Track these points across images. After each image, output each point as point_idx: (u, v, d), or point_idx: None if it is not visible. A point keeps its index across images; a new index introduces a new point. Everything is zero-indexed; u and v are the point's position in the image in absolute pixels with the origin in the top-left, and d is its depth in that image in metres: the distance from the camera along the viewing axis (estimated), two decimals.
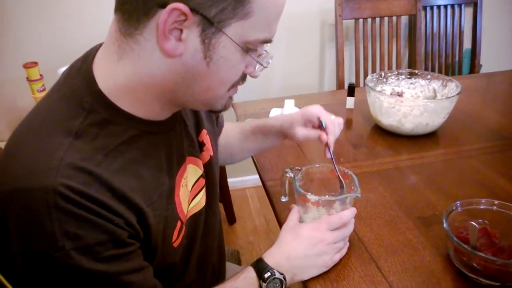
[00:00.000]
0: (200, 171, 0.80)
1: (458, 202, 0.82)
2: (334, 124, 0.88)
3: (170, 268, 0.75)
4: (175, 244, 0.72)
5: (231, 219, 2.27)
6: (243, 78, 0.67)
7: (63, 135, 0.57)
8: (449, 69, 2.24)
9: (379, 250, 0.83)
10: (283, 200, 0.95)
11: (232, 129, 1.04)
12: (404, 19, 2.22)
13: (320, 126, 0.88)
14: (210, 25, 0.56)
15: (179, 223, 0.72)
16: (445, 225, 0.76)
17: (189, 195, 0.76)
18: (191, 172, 0.77)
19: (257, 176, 1.13)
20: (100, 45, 0.65)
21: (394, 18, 2.06)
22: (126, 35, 0.58)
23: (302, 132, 0.90)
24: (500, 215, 0.80)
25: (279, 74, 2.27)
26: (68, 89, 0.62)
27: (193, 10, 0.54)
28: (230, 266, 1.13)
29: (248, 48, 0.61)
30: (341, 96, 1.49)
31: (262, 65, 0.66)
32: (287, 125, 0.92)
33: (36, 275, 0.56)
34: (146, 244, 0.64)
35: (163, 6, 0.53)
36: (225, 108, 0.70)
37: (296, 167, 0.88)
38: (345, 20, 2.00)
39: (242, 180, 2.52)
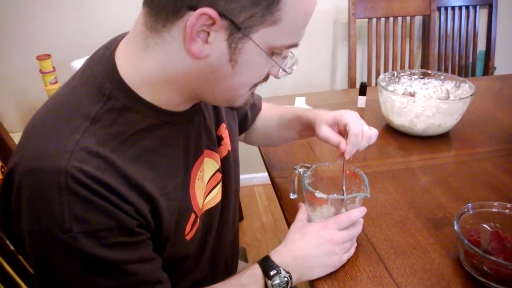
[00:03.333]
0: (217, 165, 0.80)
1: (469, 204, 0.80)
2: (361, 135, 0.81)
3: (182, 261, 0.74)
4: (188, 237, 0.72)
5: (239, 216, 2.26)
6: (265, 78, 0.67)
7: (81, 119, 0.58)
8: (462, 71, 2.21)
9: (388, 251, 0.82)
10: (291, 197, 0.94)
11: (270, 114, 1.04)
12: (418, 19, 2.20)
13: (345, 133, 0.82)
14: (238, 30, 0.56)
15: (192, 216, 0.71)
16: (456, 227, 0.75)
17: (205, 189, 0.76)
18: (208, 166, 0.77)
19: (265, 174, 1.12)
20: (124, 35, 0.66)
21: (408, 18, 2.04)
22: (152, 30, 0.58)
23: (324, 131, 0.84)
24: None
25: None
26: (90, 75, 0.62)
27: (222, 15, 0.54)
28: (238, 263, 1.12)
29: (274, 52, 0.61)
30: (353, 95, 1.48)
31: (285, 71, 0.66)
32: (316, 120, 0.88)
33: (41, 256, 0.57)
34: (157, 234, 0.64)
35: (193, 8, 0.53)
36: (245, 104, 0.70)
37: (306, 165, 0.87)
38: (359, 19, 1.98)
39: (250, 177, 2.52)
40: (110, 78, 0.61)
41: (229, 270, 0.94)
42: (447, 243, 0.83)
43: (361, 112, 1.40)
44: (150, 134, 0.63)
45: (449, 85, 1.29)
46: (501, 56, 2.26)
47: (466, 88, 1.23)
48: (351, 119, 0.83)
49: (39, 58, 1.74)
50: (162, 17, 0.56)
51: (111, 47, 0.64)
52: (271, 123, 1.03)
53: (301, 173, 0.86)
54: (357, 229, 0.80)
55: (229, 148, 0.85)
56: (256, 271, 0.73)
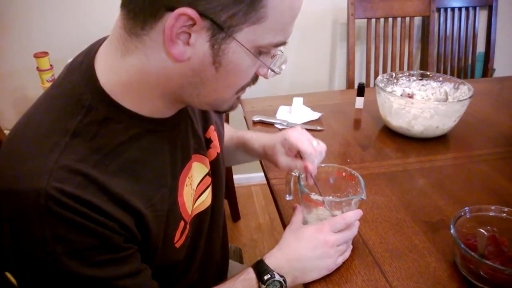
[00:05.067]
0: (206, 169, 0.79)
1: (466, 208, 0.80)
2: (315, 153, 0.83)
3: (172, 267, 0.74)
4: (177, 245, 0.70)
5: (236, 216, 2.26)
6: (254, 80, 0.64)
7: (60, 134, 0.55)
8: (461, 72, 2.21)
9: (384, 254, 0.81)
10: (287, 198, 0.93)
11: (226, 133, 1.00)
12: (417, 20, 2.19)
13: (300, 155, 0.83)
14: (220, 30, 0.53)
15: (182, 224, 0.70)
16: (452, 231, 0.74)
17: (194, 194, 0.74)
18: (197, 171, 0.75)
19: (262, 174, 1.11)
20: (104, 39, 0.63)
21: (407, 19, 2.03)
22: (131, 34, 0.55)
23: (285, 162, 0.86)
24: (510, 223, 0.78)
25: (289, 71, 2.25)
26: (68, 85, 0.60)
27: (202, 15, 0.51)
28: (232, 264, 1.12)
29: (261, 52, 0.58)
30: (351, 96, 1.48)
31: (274, 71, 0.63)
32: (270, 152, 0.88)
33: (28, 277, 0.55)
34: (144, 246, 0.62)
35: (172, 9, 0.51)
36: (231, 108, 0.67)
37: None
38: (358, 19, 1.97)
39: (248, 177, 2.51)
40: (89, 87, 0.58)
41: (220, 272, 0.93)
42: (444, 246, 0.82)
43: (359, 113, 1.40)
44: (134, 144, 0.60)
45: (447, 86, 1.28)
46: (501, 58, 2.26)
47: (465, 90, 1.22)
48: (300, 141, 0.83)
49: (37, 55, 1.73)
50: (140, 20, 0.54)
51: (90, 53, 0.61)
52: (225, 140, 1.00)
53: (297, 174, 0.85)
54: (353, 232, 0.79)
55: (218, 150, 0.83)
56: (250, 275, 0.72)
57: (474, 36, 2.17)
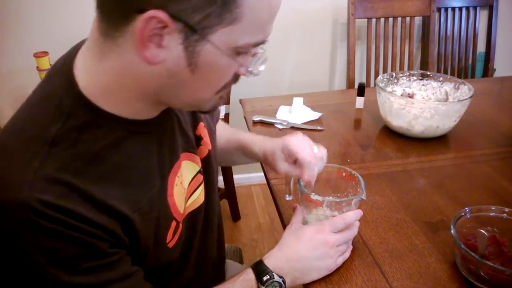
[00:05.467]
0: (197, 167, 0.78)
1: (467, 208, 0.79)
2: (315, 160, 0.82)
3: (167, 267, 0.73)
4: (170, 245, 0.70)
5: (236, 216, 2.26)
6: (234, 79, 0.62)
7: (40, 143, 0.54)
8: (462, 72, 2.20)
9: (384, 254, 0.81)
10: (287, 199, 0.93)
11: (221, 133, 0.99)
12: (418, 20, 2.19)
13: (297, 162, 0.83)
14: (193, 32, 0.51)
15: (173, 224, 0.69)
16: (452, 231, 0.74)
17: (186, 192, 0.74)
18: (187, 169, 0.74)
19: (262, 174, 1.11)
20: (82, 42, 0.62)
21: (408, 18, 2.03)
22: (106, 36, 0.54)
23: (284, 168, 0.85)
24: (510, 223, 0.78)
25: (289, 71, 2.25)
26: (48, 91, 0.59)
27: (173, 17, 0.49)
28: (231, 264, 1.12)
29: (239, 52, 0.56)
30: (351, 96, 1.47)
31: (252, 73, 0.61)
32: (270, 158, 0.88)
33: None
34: (134, 249, 0.62)
35: (142, 12, 0.49)
36: (213, 108, 0.66)
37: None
38: (358, 19, 1.97)
39: (248, 177, 2.51)
40: (68, 93, 0.57)
41: (216, 271, 0.93)
42: (444, 247, 0.82)
43: (359, 113, 1.40)
44: (118, 148, 0.59)
45: (448, 86, 1.28)
46: (501, 57, 2.25)
47: (465, 90, 1.22)
48: (299, 148, 0.82)
49: (36, 55, 1.73)
50: (113, 22, 0.52)
51: (69, 57, 0.60)
52: (219, 142, 0.99)
53: None
54: (353, 232, 0.79)
55: (209, 147, 0.82)
56: (249, 276, 0.72)
57: (475, 36, 2.16)
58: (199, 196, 0.79)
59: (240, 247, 1.29)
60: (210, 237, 0.85)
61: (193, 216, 0.77)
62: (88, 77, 0.58)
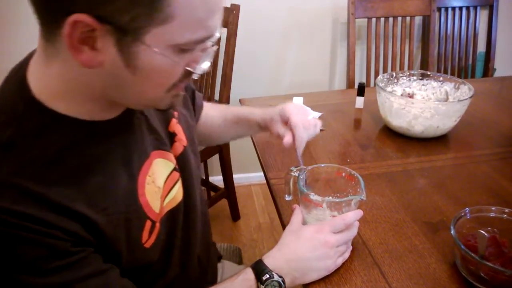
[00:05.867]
0: (171, 165, 0.76)
1: (467, 208, 0.79)
2: (307, 125, 0.85)
3: (147, 267, 0.73)
4: (147, 245, 0.69)
5: (235, 216, 2.25)
6: (185, 76, 0.60)
7: None
8: (462, 72, 2.20)
9: (384, 255, 0.80)
10: (286, 199, 0.93)
11: (213, 114, 1.03)
12: (418, 20, 2.19)
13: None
14: (125, 33, 0.50)
15: (148, 223, 0.69)
16: (452, 232, 0.74)
17: (162, 191, 0.73)
18: (160, 167, 0.73)
19: (262, 173, 1.11)
20: (33, 52, 0.62)
21: (408, 18, 2.02)
22: (47, 40, 0.54)
23: (276, 129, 0.90)
24: (511, 224, 0.77)
25: (289, 71, 2.25)
26: (2, 97, 0.59)
27: (99, 20, 0.48)
28: (229, 265, 1.11)
29: (183, 49, 0.55)
30: (351, 96, 1.47)
31: (194, 72, 0.59)
32: (268, 123, 0.93)
33: None
34: (103, 248, 0.62)
35: (69, 15, 0.48)
36: (172, 106, 0.65)
37: (302, 166, 0.86)
38: (358, 18, 1.97)
39: (248, 176, 2.51)
40: (22, 97, 0.57)
41: (203, 270, 0.92)
42: (444, 247, 0.81)
43: (359, 113, 1.39)
44: (76, 150, 0.58)
45: (448, 86, 1.28)
46: (501, 57, 2.25)
47: (465, 89, 1.22)
48: (294, 111, 0.88)
49: None
50: (47, 27, 0.52)
51: (25, 62, 0.60)
52: (214, 123, 1.02)
53: (297, 174, 0.85)
54: (352, 232, 0.78)
55: (185, 144, 0.81)
56: (248, 275, 0.72)
57: (475, 36, 2.16)
58: (176, 194, 0.78)
59: (240, 247, 1.29)
60: (192, 235, 0.84)
61: (172, 215, 0.76)
62: (39, 82, 0.58)
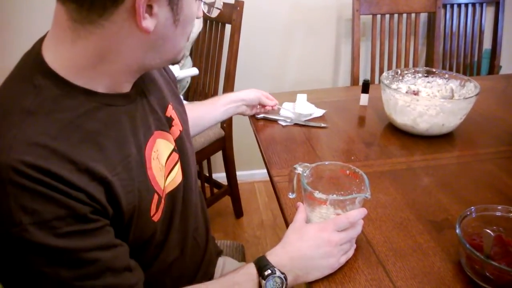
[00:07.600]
0: (171, 145, 0.80)
1: (472, 207, 0.78)
2: (259, 93, 1.26)
3: (148, 244, 0.74)
4: (155, 218, 0.71)
5: (239, 213, 2.25)
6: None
7: (16, 114, 0.57)
8: (467, 69, 2.19)
9: (388, 253, 0.80)
10: (290, 196, 0.92)
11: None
12: (423, 17, 2.18)
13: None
14: None
15: (156, 196, 0.71)
16: (458, 230, 0.73)
17: (164, 170, 0.76)
18: (162, 146, 0.76)
19: (266, 170, 1.10)
20: (45, 36, 0.66)
21: (413, 15, 2.01)
22: (85, 22, 0.59)
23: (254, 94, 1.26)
24: None
25: (293, 68, 2.24)
26: (20, 71, 0.63)
27: None
28: (230, 262, 1.11)
29: None
30: (355, 93, 1.46)
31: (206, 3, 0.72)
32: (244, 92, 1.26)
33: None
34: (118, 219, 0.63)
35: None
36: (183, 56, 0.74)
37: (305, 164, 0.86)
38: (363, 15, 1.96)
39: (251, 173, 2.51)
40: (40, 70, 0.61)
41: (201, 250, 0.94)
42: (449, 246, 0.81)
43: (364, 110, 1.39)
44: (92, 117, 0.63)
45: (453, 84, 1.27)
46: (507, 54, 2.24)
47: (471, 87, 1.21)
48: (259, 96, 1.27)
49: None
50: (98, 8, 0.58)
51: (36, 46, 0.64)
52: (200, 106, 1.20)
53: (301, 172, 0.84)
54: (356, 231, 0.78)
55: (181, 129, 0.85)
56: (250, 270, 0.72)
57: (481, 33, 2.15)
58: (176, 175, 0.80)
59: (243, 244, 1.28)
60: (190, 218, 0.87)
61: (172, 196, 0.79)
62: (61, 59, 0.62)
